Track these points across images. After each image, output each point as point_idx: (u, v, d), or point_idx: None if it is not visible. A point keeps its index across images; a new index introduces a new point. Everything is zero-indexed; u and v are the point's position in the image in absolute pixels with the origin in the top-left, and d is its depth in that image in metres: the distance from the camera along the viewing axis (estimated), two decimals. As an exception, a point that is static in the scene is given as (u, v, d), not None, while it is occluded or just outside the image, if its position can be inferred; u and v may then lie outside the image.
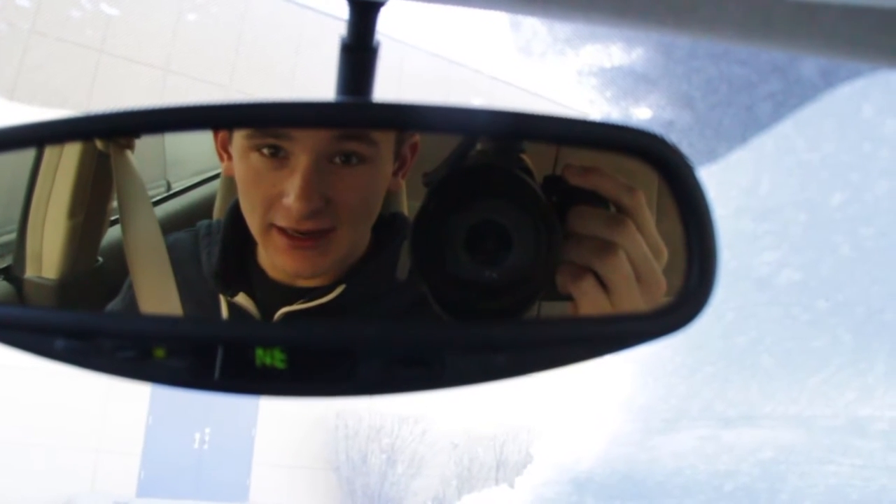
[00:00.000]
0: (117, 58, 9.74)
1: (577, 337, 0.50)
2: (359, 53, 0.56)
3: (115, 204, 0.59)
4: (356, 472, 10.04)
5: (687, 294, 0.49)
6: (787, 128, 3.36)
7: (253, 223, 0.54)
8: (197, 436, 9.92)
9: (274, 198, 0.52)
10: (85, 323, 0.53)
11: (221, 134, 0.54)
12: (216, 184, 0.57)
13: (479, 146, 0.51)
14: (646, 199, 0.50)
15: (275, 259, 0.54)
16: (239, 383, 0.49)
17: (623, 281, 0.49)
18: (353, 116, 0.50)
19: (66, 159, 0.58)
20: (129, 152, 0.57)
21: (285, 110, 0.50)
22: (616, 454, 3.07)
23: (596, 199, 0.50)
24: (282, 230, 0.52)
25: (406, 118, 0.51)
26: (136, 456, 9.49)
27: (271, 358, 0.47)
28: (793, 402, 2.89)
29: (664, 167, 0.49)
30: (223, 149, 0.54)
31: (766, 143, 3.42)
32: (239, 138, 0.53)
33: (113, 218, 0.59)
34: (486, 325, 0.50)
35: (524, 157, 0.51)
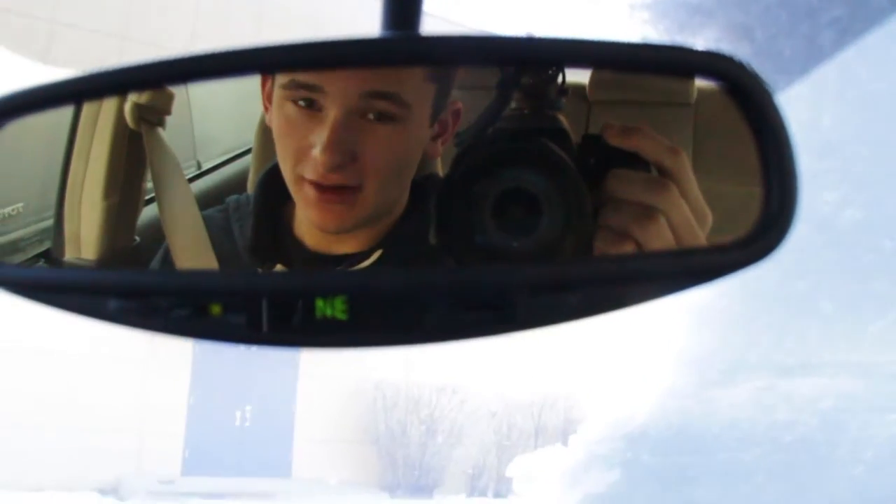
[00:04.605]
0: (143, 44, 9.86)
1: (650, 273, 0.49)
2: None
3: (149, 183, 0.59)
4: (396, 444, 10.27)
5: (768, 222, 0.48)
6: (851, 57, 3.23)
7: (286, 175, 0.54)
8: (238, 414, 10.20)
9: (304, 149, 0.53)
10: (139, 281, 0.53)
11: (268, 84, 0.55)
12: (248, 159, 0.58)
13: (513, 104, 0.50)
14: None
15: (306, 212, 0.55)
16: (299, 337, 0.49)
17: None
18: (368, 54, 0.49)
19: (98, 140, 0.59)
20: (160, 130, 0.58)
21: (294, 52, 0.49)
22: (671, 408, 3.08)
23: (636, 161, 0.49)
24: (312, 182, 0.53)
25: (437, 51, 0.49)
26: (180, 436, 9.81)
27: (332, 309, 0.46)
28: (854, 349, 2.84)
29: (737, 90, 0.47)
30: (268, 99, 0.55)
31: (828, 75, 3.30)
32: (277, 88, 0.54)
33: (147, 197, 0.60)
34: (558, 264, 0.49)
35: (560, 116, 0.50)
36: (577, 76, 0.54)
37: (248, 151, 0.58)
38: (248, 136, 0.58)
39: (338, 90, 0.51)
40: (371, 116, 0.52)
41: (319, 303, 0.46)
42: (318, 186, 0.53)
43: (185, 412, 9.66)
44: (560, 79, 0.51)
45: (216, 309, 0.47)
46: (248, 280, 0.53)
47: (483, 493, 10.18)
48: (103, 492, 8.77)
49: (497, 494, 9.83)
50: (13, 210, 0.56)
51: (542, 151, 0.48)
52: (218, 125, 0.60)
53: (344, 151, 0.52)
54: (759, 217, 0.47)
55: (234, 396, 9.91)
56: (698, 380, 3.14)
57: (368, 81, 0.51)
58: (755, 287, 2.91)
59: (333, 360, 9.74)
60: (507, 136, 0.50)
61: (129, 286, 0.50)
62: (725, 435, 2.83)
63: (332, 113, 0.52)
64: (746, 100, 0.47)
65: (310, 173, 0.53)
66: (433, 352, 9.39)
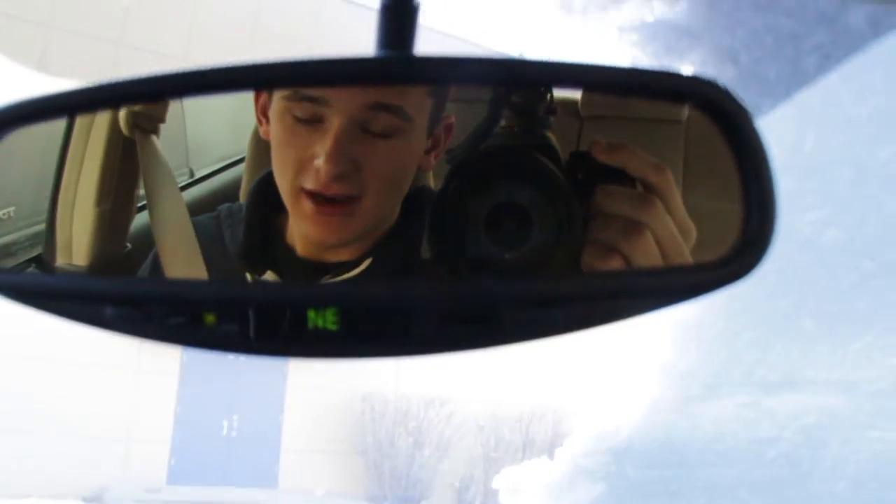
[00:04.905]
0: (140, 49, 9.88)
1: (635, 289, 0.50)
2: (400, 7, 0.54)
3: (141, 190, 0.59)
4: (384, 456, 10.21)
5: (747, 242, 0.49)
6: (834, 81, 3.28)
7: (284, 187, 0.54)
8: (225, 423, 10.12)
9: (305, 160, 0.53)
10: (128, 288, 0.53)
11: (262, 98, 0.55)
12: (241, 168, 0.58)
13: (503, 122, 0.51)
14: (672, 173, 0.50)
15: (302, 227, 0.55)
16: (290, 347, 0.49)
17: (649, 262, 0.49)
18: (362, 73, 0.50)
19: (92, 146, 0.59)
20: (154, 137, 0.58)
21: (303, 68, 0.49)
22: (656, 422, 3.09)
23: (623, 177, 0.50)
24: (310, 194, 0.53)
25: (431, 71, 0.50)
26: (166, 444, 9.70)
27: (323, 320, 0.46)
28: (836, 367, 2.86)
29: (719, 113, 0.50)
30: (262, 113, 0.55)
31: (811, 98, 3.36)
32: (277, 100, 0.54)
33: (140, 204, 0.60)
34: (546, 279, 0.50)
35: (549, 134, 0.51)
36: (570, 92, 0.54)
37: (241, 160, 0.58)
38: (242, 146, 0.58)
39: (342, 101, 0.52)
40: (373, 128, 0.52)
41: (311, 313, 0.46)
42: (318, 198, 0.52)
43: (172, 420, 9.56)
44: (549, 98, 0.52)
45: (210, 318, 0.47)
46: (238, 290, 0.53)
47: (469, 506, 10.12)
48: (88, 499, 8.65)
49: (483, 507, 9.78)
50: (4, 214, 0.55)
51: (535, 166, 0.49)
52: (211, 134, 0.60)
53: (347, 161, 0.52)
54: (739, 237, 0.48)
55: (222, 405, 9.82)
56: (682, 395, 3.15)
57: (373, 93, 0.52)
58: (739, 304, 2.94)
59: (321, 370, 9.68)
60: (499, 151, 0.51)
61: (118, 293, 0.50)
62: (709, 449, 2.84)
63: (335, 123, 0.52)
64: (728, 123, 0.48)
65: (311, 183, 0.52)
66: (422, 364, 9.35)
